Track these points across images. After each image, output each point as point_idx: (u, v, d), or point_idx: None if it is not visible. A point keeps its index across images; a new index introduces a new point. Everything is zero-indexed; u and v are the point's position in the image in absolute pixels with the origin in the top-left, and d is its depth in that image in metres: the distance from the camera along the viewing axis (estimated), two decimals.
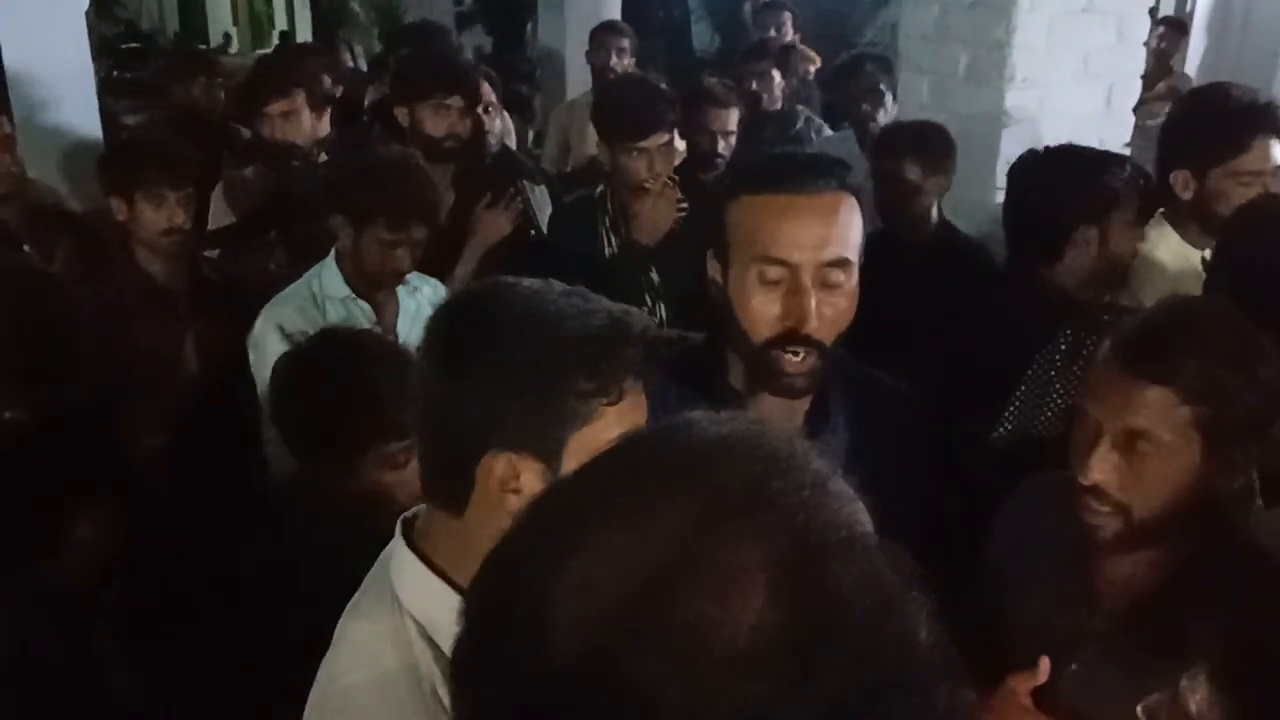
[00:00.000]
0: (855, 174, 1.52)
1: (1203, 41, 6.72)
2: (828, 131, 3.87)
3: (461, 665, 0.60)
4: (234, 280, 2.70)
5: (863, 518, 0.61)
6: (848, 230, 1.34)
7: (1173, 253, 2.27)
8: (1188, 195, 2.25)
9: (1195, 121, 2.32)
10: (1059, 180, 2.20)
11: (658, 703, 0.51)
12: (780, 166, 1.40)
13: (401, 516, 1.09)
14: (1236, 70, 6.45)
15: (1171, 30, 6.03)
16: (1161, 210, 2.32)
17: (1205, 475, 1.26)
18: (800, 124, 3.78)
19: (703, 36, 8.62)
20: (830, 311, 1.33)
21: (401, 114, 2.85)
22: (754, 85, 3.95)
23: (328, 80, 3.66)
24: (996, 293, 2.42)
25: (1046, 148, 2.27)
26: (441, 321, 1.07)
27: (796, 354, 1.34)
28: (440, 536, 1.04)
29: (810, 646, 0.52)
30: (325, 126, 3.21)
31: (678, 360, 1.62)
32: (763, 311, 1.34)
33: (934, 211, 2.82)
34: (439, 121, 2.80)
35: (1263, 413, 1.27)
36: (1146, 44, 3.12)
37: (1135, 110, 3.08)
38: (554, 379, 0.97)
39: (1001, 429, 2.06)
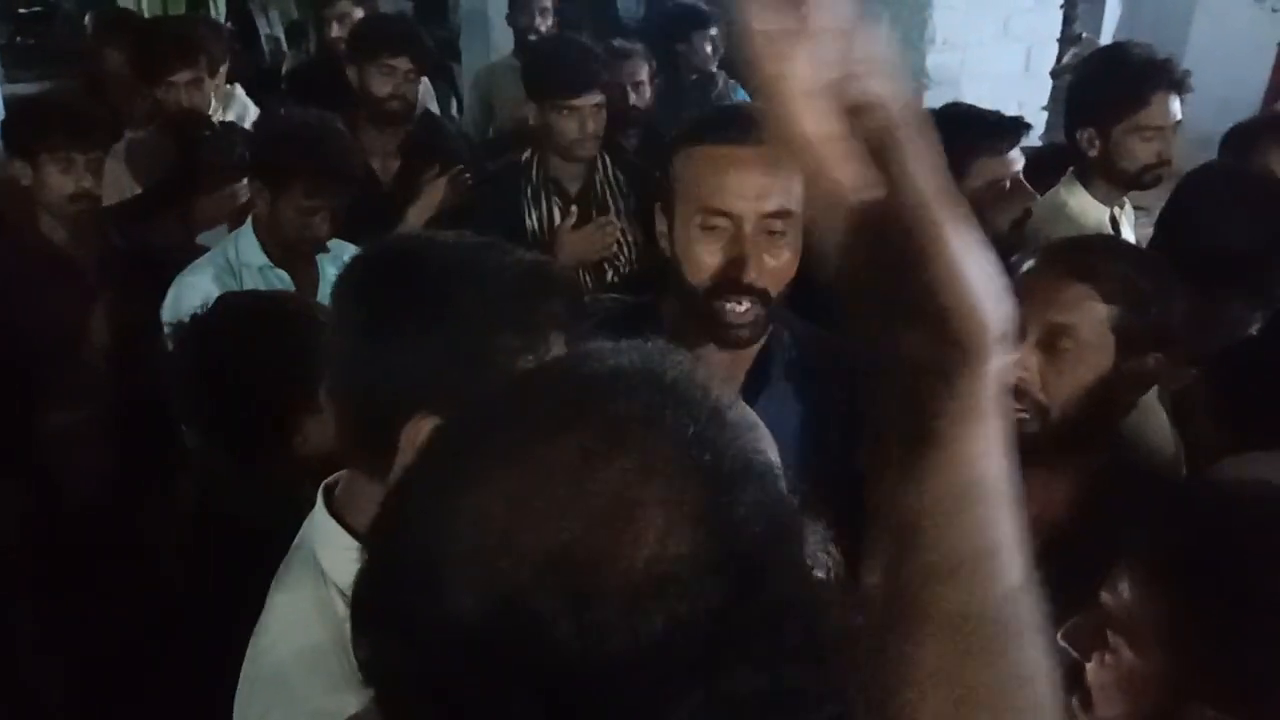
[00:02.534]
0: None
1: (1118, 8, 6.86)
2: (744, 96, 3.84)
3: (360, 607, 0.59)
4: (147, 249, 2.61)
5: (762, 445, 0.60)
6: (790, 181, 1.34)
7: (1082, 209, 2.33)
8: (1094, 152, 2.32)
9: (1098, 80, 2.40)
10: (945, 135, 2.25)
11: (553, 637, 0.51)
12: (724, 119, 1.42)
13: (323, 483, 1.06)
14: (1151, 34, 6.60)
15: None
16: (1072, 169, 2.39)
17: (1114, 383, 1.35)
18: (720, 86, 3.76)
19: (628, 3, 8.53)
20: (773, 262, 1.35)
21: (352, 73, 2.82)
22: (678, 49, 3.92)
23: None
24: None
25: (950, 105, 2.32)
26: (356, 279, 1.03)
27: (740, 303, 1.35)
28: (364, 502, 1.00)
29: (704, 579, 0.52)
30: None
31: (613, 319, 1.62)
32: (705, 261, 1.35)
33: None
34: (386, 82, 2.77)
35: (1169, 330, 1.36)
36: (1063, 7, 3.20)
37: (1052, 73, 3.13)
38: (481, 337, 0.94)
39: None
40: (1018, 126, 2.36)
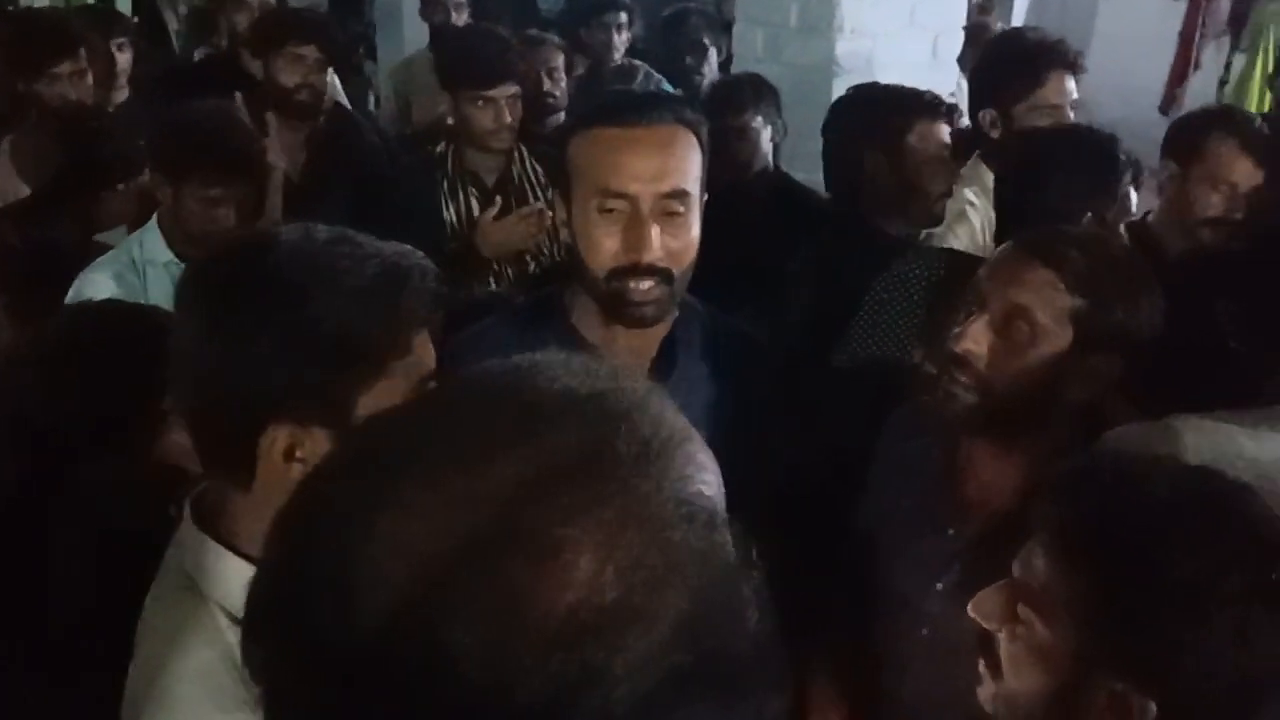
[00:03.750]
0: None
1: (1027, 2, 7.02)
2: (667, 87, 3.87)
3: (255, 628, 0.56)
4: (45, 249, 2.53)
5: (708, 483, 0.58)
6: (685, 162, 1.37)
7: (986, 190, 2.36)
8: (996, 133, 2.38)
9: (997, 63, 2.46)
10: (847, 115, 2.30)
11: (465, 674, 0.49)
12: (617, 101, 1.44)
13: (190, 496, 1.01)
14: (1059, 24, 6.76)
15: None
16: (977, 152, 2.44)
17: (1064, 375, 1.34)
18: (640, 78, 3.78)
19: None
20: (673, 243, 1.36)
21: (257, 67, 2.77)
22: (596, 40, 3.93)
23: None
24: (826, 235, 2.51)
25: (853, 87, 2.36)
26: (198, 285, 0.98)
27: (642, 283, 1.35)
28: (232, 513, 0.97)
29: (628, 630, 0.50)
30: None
31: (521, 305, 1.61)
32: (604, 244, 1.35)
33: (770, 162, 2.88)
34: (293, 71, 2.72)
35: (1131, 333, 1.35)
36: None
37: (959, 60, 3.20)
38: (335, 338, 0.91)
39: (842, 354, 2.12)
40: (948, 102, 2.41)
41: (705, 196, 1.44)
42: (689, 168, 1.37)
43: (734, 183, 2.91)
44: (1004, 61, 2.44)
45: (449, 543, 0.50)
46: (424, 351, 0.97)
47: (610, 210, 1.34)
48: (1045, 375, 1.33)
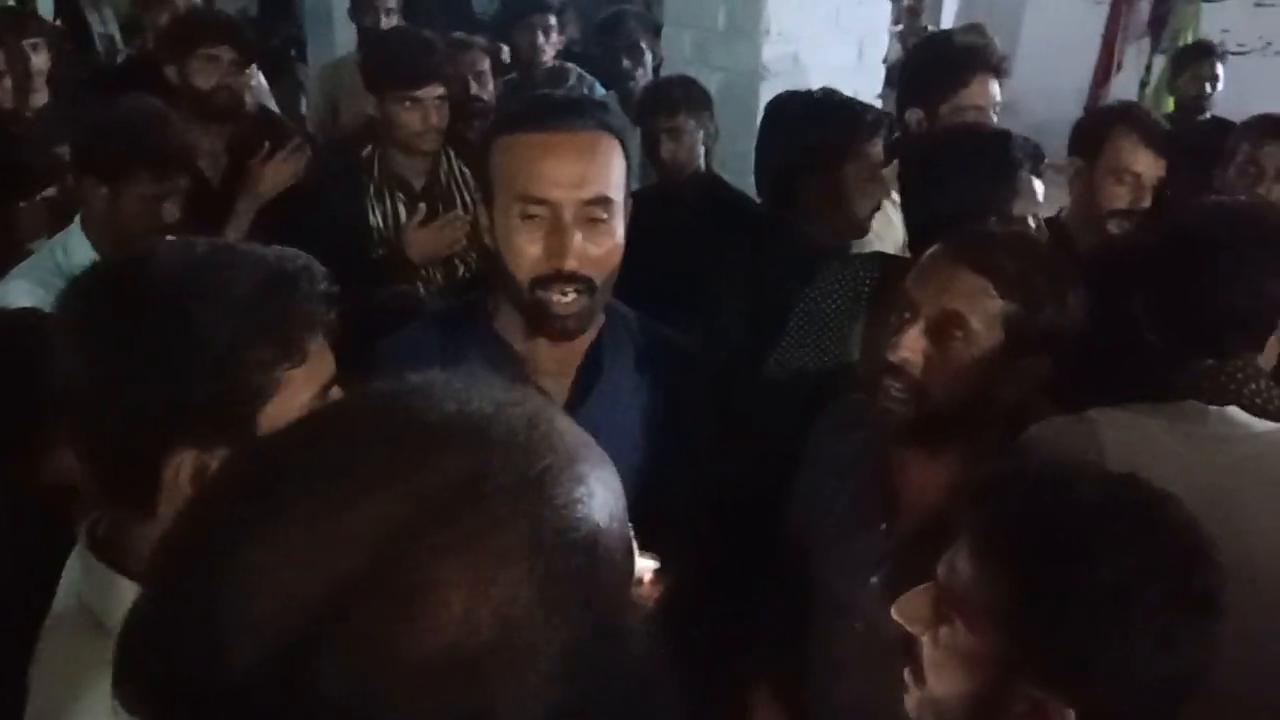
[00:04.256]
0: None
1: (955, 3, 7.13)
2: (600, 90, 3.88)
3: (127, 660, 0.54)
4: None
5: (598, 504, 0.57)
6: (608, 169, 1.35)
7: None
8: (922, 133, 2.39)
9: (923, 64, 2.51)
10: (782, 125, 2.32)
11: (334, 715, 0.48)
12: (538, 106, 1.41)
13: (85, 522, 0.96)
14: (986, 24, 6.88)
15: None
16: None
17: (997, 377, 1.35)
18: (572, 81, 3.77)
19: None
20: (596, 250, 1.34)
21: (171, 73, 2.70)
22: (527, 42, 3.92)
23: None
24: (757, 240, 2.52)
25: (787, 93, 2.37)
26: (76, 306, 0.93)
27: (565, 293, 1.34)
28: (133, 541, 0.92)
29: (505, 670, 0.50)
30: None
31: (445, 311, 1.59)
32: (526, 251, 1.34)
33: (702, 164, 2.90)
34: (209, 74, 2.67)
35: (1060, 333, 1.37)
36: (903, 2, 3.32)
37: (885, 63, 3.24)
38: (224, 354, 0.87)
39: (773, 363, 2.14)
40: (885, 116, 2.44)
41: (630, 202, 1.42)
42: (612, 174, 1.36)
43: (666, 185, 2.93)
44: (930, 63, 2.49)
45: (320, 586, 0.50)
46: (321, 358, 0.94)
47: (532, 217, 1.32)
48: (978, 378, 1.35)
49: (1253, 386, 1.55)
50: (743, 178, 2.89)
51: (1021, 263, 1.35)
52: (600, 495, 0.57)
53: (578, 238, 1.32)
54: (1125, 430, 1.57)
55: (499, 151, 1.37)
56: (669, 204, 2.87)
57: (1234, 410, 1.52)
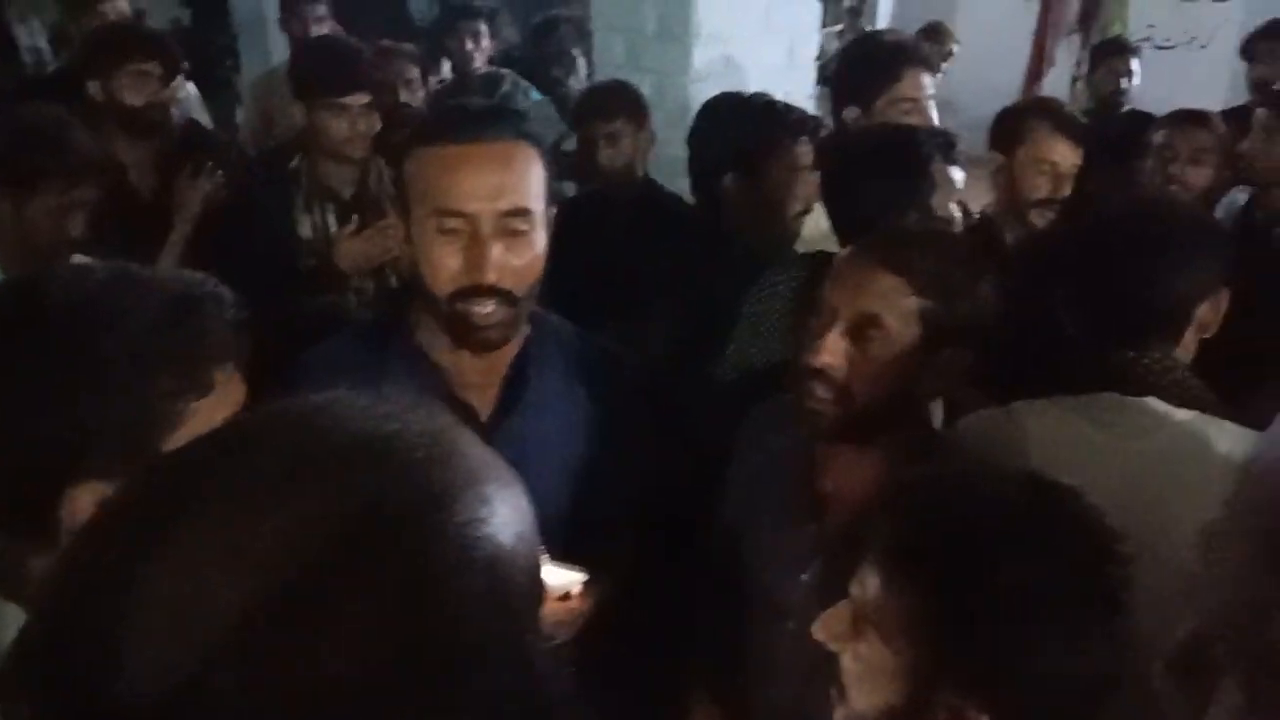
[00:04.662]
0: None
1: (890, 2, 7.21)
2: (535, 95, 3.87)
3: (13, 680, 0.53)
4: None
5: (501, 522, 0.56)
6: (526, 179, 1.34)
7: None
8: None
9: (855, 62, 2.55)
10: (712, 128, 2.33)
11: None
12: (453, 117, 1.39)
13: None
14: (919, 25, 6.96)
15: None
16: None
17: (917, 372, 1.37)
18: (507, 87, 3.76)
19: (420, 5, 8.40)
20: (516, 261, 1.33)
21: (95, 88, 2.64)
22: (460, 47, 3.91)
23: None
24: (694, 245, 2.53)
25: (720, 95, 2.39)
26: None
27: (485, 305, 1.33)
28: (31, 572, 0.89)
29: (401, 695, 0.50)
30: None
31: (368, 323, 1.57)
32: (445, 264, 1.32)
33: (640, 169, 2.90)
34: (138, 90, 2.62)
35: (975, 323, 1.39)
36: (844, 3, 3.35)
37: (816, 62, 3.27)
38: (128, 385, 0.86)
39: (723, 364, 2.14)
40: (811, 118, 2.46)
41: (553, 210, 1.41)
42: (530, 184, 1.34)
43: (603, 191, 2.93)
44: (862, 60, 2.52)
45: (218, 609, 0.49)
46: (229, 386, 0.93)
47: (449, 230, 1.31)
48: (899, 375, 1.36)
49: (1170, 378, 1.58)
50: (676, 181, 2.90)
51: (934, 258, 1.36)
52: (504, 515, 0.57)
53: (497, 250, 1.31)
54: (1048, 421, 1.60)
55: (414, 164, 1.36)
56: (607, 209, 2.87)
57: (1153, 401, 1.55)
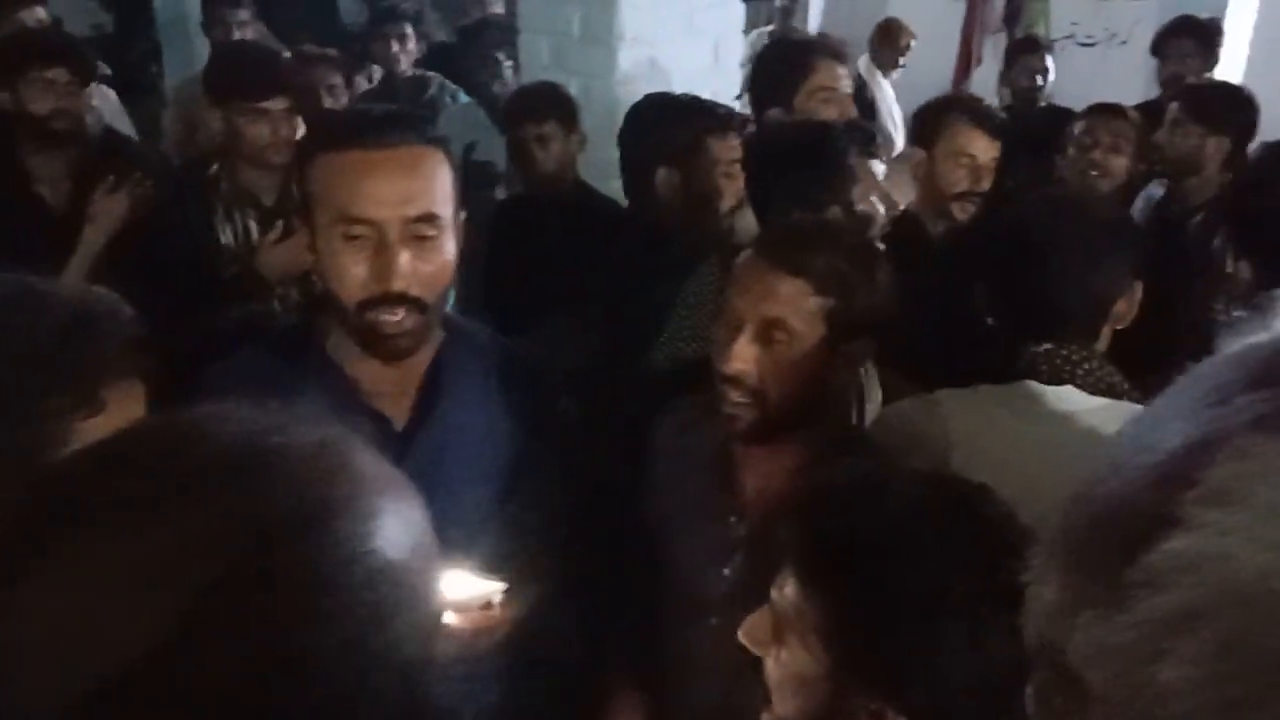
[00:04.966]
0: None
1: (821, 1, 7.28)
2: (463, 98, 3.85)
3: None
4: None
5: (390, 534, 0.56)
6: (433, 183, 1.31)
7: None
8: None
9: (768, 63, 2.59)
10: (641, 127, 2.35)
11: None
12: (356, 122, 1.36)
13: None
14: (849, 27, 7.04)
15: None
16: None
17: (827, 366, 1.40)
18: (434, 90, 3.73)
19: (350, 8, 8.32)
20: (425, 268, 1.30)
21: (4, 99, 2.56)
22: (386, 51, 3.87)
23: None
24: (629, 242, 2.54)
25: (648, 95, 2.40)
26: None
27: (394, 313, 1.30)
28: None
29: (281, 713, 0.50)
30: None
31: (279, 333, 1.54)
32: (352, 272, 1.29)
33: (572, 170, 2.90)
34: (45, 98, 2.54)
35: (876, 313, 1.43)
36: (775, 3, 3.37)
37: (742, 66, 3.30)
38: (21, 405, 0.84)
39: (658, 356, 2.15)
40: (737, 116, 2.48)
41: (464, 214, 1.39)
42: (438, 188, 1.32)
43: (533, 193, 2.92)
44: (774, 60, 2.57)
45: (99, 627, 0.49)
46: (125, 404, 0.91)
47: (355, 238, 1.28)
48: (810, 372, 1.39)
49: (1086, 367, 1.62)
50: (605, 182, 2.90)
51: (830, 255, 1.39)
52: (394, 528, 0.56)
53: (405, 257, 1.28)
54: (969, 410, 1.64)
55: (318, 170, 1.32)
56: (539, 212, 2.87)
57: (1069, 389, 1.59)
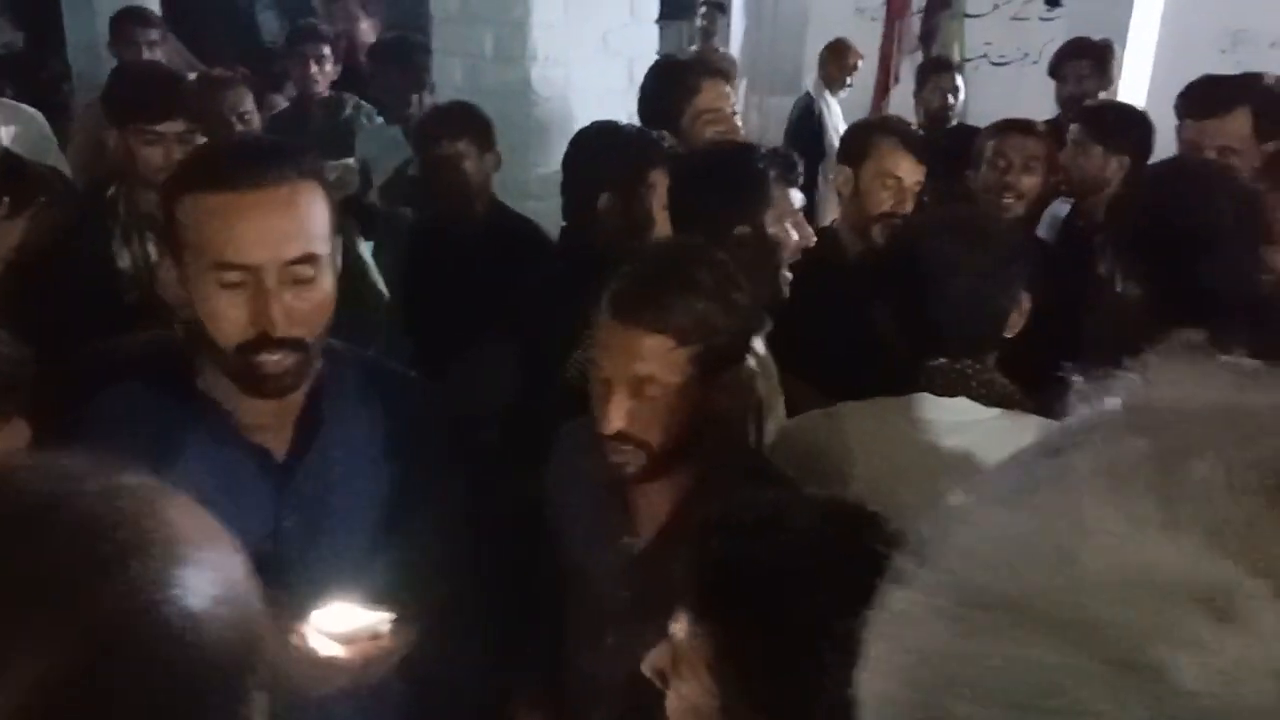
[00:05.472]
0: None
1: (742, 22, 7.38)
2: (378, 119, 3.81)
3: None
4: None
5: (196, 582, 0.54)
6: (310, 221, 1.26)
7: None
8: (680, 148, 2.46)
9: (655, 86, 2.61)
10: (585, 154, 2.35)
11: None
12: (225, 162, 1.29)
13: None
14: (770, 48, 7.15)
15: (712, 9, 6.59)
16: None
17: (706, 401, 1.39)
18: (349, 111, 3.69)
19: (271, 25, 8.21)
20: (304, 307, 1.26)
21: None
22: (304, 71, 3.82)
23: None
24: (549, 263, 2.54)
25: (594, 123, 2.40)
26: None
27: (273, 354, 1.26)
28: None
29: None
30: None
31: (148, 364, 1.50)
32: (229, 317, 1.24)
33: (486, 190, 2.88)
34: None
35: (742, 335, 1.43)
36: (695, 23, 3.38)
37: None
38: None
39: (571, 369, 2.14)
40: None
41: (340, 243, 1.34)
42: (315, 226, 1.27)
43: (450, 211, 2.90)
44: (658, 84, 2.58)
45: None
46: (4, 440, 0.89)
47: (231, 284, 1.23)
48: (689, 411, 1.39)
49: (980, 379, 1.66)
50: (522, 202, 2.89)
51: (686, 301, 1.36)
52: (200, 577, 0.55)
53: (284, 299, 1.23)
54: (868, 421, 1.68)
55: (187, 211, 1.25)
56: (454, 233, 2.85)
57: (963, 401, 1.63)
